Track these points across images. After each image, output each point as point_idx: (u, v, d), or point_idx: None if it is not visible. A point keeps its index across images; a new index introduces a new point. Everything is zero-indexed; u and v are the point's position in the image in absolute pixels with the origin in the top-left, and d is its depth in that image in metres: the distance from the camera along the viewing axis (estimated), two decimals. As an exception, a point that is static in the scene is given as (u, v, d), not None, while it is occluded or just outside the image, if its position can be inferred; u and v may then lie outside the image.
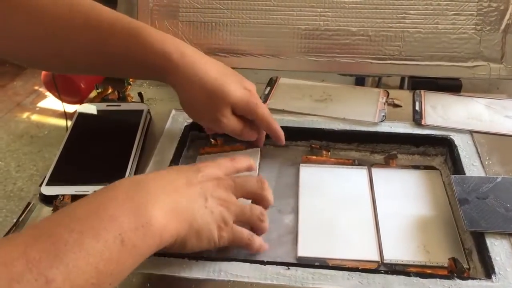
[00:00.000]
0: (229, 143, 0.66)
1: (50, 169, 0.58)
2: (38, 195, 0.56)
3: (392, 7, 0.73)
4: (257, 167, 0.62)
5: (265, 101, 0.71)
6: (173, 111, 0.70)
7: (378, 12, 0.73)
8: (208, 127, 0.63)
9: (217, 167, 0.52)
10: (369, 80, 0.99)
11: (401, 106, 0.71)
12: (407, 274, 0.48)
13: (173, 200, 0.45)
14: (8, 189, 2.13)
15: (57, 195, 0.54)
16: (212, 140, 0.66)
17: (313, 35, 0.74)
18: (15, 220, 0.56)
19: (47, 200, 0.55)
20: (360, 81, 0.94)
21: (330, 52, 0.74)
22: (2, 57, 0.57)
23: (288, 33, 0.75)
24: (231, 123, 0.58)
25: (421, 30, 0.73)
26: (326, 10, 0.73)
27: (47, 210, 0.57)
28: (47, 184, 0.56)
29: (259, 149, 0.64)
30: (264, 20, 0.75)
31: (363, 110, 0.69)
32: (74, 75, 2.44)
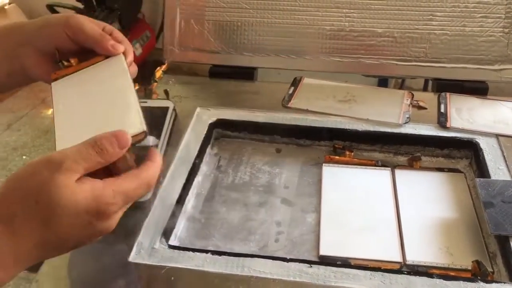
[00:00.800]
0: (86, 59, 0.51)
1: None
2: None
3: (418, 9, 0.72)
4: (131, 80, 0.47)
5: (288, 100, 0.72)
6: (198, 109, 0.71)
7: (404, 14, 0.73)
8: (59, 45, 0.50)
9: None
10: (392, 82, 0.98)
11: (426, 108, 0.70)
12: (430, 275, 0.48)
13: None
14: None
15: (85, 188, 0.55)
16: (64, 62, 0.51)
17: (338, 35, 0.75)
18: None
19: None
20: (383, 82, 0.94)
21: (354, 53, 0.75)
22: None
23: (313, 34, 0.75)
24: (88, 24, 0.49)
25: (448, 32, 0.73)
26: (352, 11, 0.74)
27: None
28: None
29: (121, 54, 0.50)
30: (289, 20, 0.76)
31: (387, 112, 0.69)
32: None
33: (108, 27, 0.51)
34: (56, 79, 0.50)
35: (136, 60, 2.11)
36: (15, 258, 0.36)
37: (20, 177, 0.37)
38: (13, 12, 2.47)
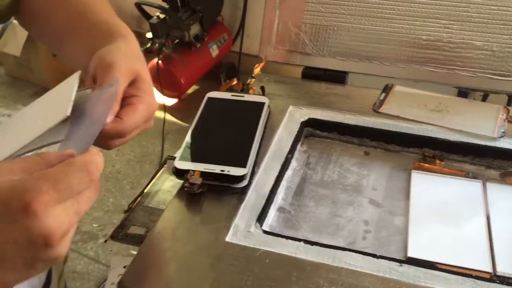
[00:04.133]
0: None
1: (182, 145, 0.63)
2: (171, 168, 0.61)
3: (521, 24, 0.72)
4: (74, 92, 0.44)
5: (380, 106, 0.73)
6: (290, 107, 0.74)
7: (506, 28, 0.72)
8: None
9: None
10: (472, 95, 0.97)
11: (521, 125, 0.69)
12: (524, 288, 0.48)
13: None
14: (107, 170, 2.32)
15: (188, 170, 0.60)
16: None
17: (434, 46, 0.75)
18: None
19: (179, 173, 0.60)
20: (462, 94, 0.92)
21: (450, 64, 0.75)
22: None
23: (408, 42, 0.76)
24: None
25: (550, 49, 0.72)
26: (451, 22, 0.74)
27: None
28: (180, 159, 0.61)
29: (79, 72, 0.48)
30: (386, 28, 0.77)
31: (481, 124, 0.69)
32: (177, 71, 2.55)
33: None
34: None
35: (212, 61, 2.24)
36: None
37: None
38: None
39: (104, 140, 0.46)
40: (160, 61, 2.13)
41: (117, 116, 0.45)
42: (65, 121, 0.42)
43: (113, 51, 0.49)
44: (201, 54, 2.30)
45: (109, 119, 0.44)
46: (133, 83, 0.48)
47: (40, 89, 2.46)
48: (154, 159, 2.08)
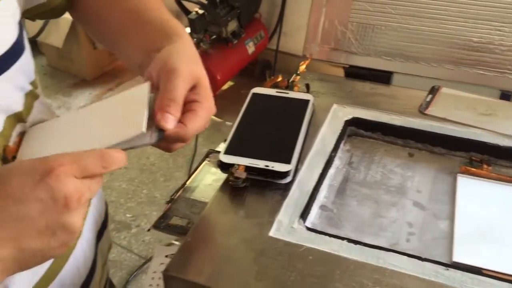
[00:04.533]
0: None
1: (227, 139, 0.64)
2: (216, 161, 0.62)
3: None
4: (146, 109, 0.46)
5: (426, 107, 0.72)
6: (334, 105, 0.74)
7: (561, 32, 0.70)
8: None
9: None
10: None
11: None
12: None
13: None
14: (142, 162, 2.36)
15: (233, 164, 0.60)
16: None
17: (485, 48, 0.74)
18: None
19: (223, 167, 0.61)
20: (505, 97, 0.90)
21: (500, 67, 0.73)
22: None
23: (458, 44, 0.75)
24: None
25: None
26: (504, 25, 0.72)
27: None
28: (225, 153, 0.62)
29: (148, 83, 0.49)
30: (435, 29, 0.76)
31: (532, 130, 0.67)
32: (213, 67, 2.56)
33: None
34: None
35: (248, 58, 2.24)
36: None
37: None
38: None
39: (166, 144, 0.49)
40: (197, 57, 2.16)
41: (180, 121, 0.47)
42: None
43: (174, 55, 0.50)
44: (237, 50, 2.31)
45: (172, 125, 0.46)
46: (193, 88, 0.49)
47: (80, 80, 2.52)
48: (188, 153, 2.11)
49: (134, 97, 0.48)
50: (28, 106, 0.53)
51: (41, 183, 0.37)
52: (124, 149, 0.43)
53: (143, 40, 0.56)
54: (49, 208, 0.37)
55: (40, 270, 0.51)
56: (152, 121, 0.45)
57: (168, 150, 0.50)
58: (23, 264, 0.39)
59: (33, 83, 0.54)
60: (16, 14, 0.50)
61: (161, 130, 0.45)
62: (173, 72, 0.47)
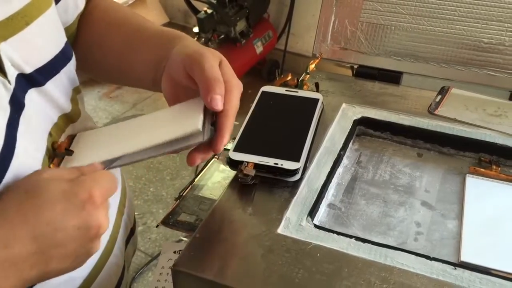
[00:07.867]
0: None
1: (236, 137, 0.64)
2: (226, 158, 0.62)
3: None
4: (201, 121, 0.49)
5: (435, 108, 0.72)
6: (344, 105, 0.74)
7: None
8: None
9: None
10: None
11: None
12: None
13: None
14: (149, 160, 2.39)
15: (242, 161, 0.60)
16: None
17: (495, 49, 0.73)
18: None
19: (232, 164, 0.61)
20: None
21: (510, 69, 0.73)
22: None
23: (468, 45, 0.75)
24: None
25: None
26: (515, 25, 0.72)
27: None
28: (234, 150, 0.62)
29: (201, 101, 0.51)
30: (445, 29, 0.76)
31: (542, 131, 0.67)
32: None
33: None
34: None
35: (256, 57, 2.25)
36: (11, 262, 0.36)
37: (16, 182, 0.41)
38: (152, 3, 2.68)
39: (205, 148, 0.51)
40: (205, 56, 2.16)
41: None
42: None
43: (189, 47, 0.53)
44: (245, 50, 2.32)
45: (221, 105, 0.49)
46: (219, 66, 0.51)
47: (88, 79, 2.54)
48: (195, 152, 2.11)
49: (189, 105, 0.52)
50: (77, 111, 0.55)
51: (83, 212, 0.39)
52: (178, 150, 0.47)
53: (151, 54, 0.57)
54: (82, 236, 0.39)
55: (77, 281, 0.52)
56: (203, 120, 0.49)
57: (192, 161, 0.52)
58: (39, 281, 0.40)
59: (77, 89, 0.56)
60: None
61: (213, 127, 0.49)
62: (201, 57, 0.50)
